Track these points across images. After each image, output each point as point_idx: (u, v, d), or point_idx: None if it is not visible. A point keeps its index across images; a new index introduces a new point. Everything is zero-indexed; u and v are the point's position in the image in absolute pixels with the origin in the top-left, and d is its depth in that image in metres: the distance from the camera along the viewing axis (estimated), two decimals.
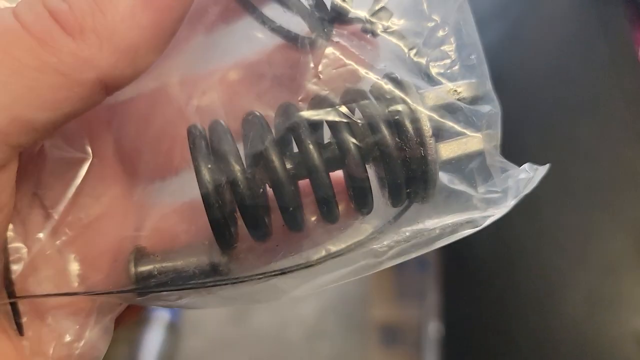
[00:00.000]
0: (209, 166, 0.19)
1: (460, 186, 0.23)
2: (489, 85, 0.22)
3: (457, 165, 0.22)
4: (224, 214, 0.20)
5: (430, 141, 0.20)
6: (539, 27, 0.56)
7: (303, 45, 0.22)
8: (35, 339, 0.21)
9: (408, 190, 0.21)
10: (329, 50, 0.21)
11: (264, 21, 0.24)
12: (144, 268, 0.22)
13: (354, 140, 0.20)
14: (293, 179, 0.21)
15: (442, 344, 0.65)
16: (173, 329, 0.79)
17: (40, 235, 0.22)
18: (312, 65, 0.21)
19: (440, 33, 0.22)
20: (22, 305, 0.21)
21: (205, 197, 0.19)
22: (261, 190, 0.20)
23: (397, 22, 0.21)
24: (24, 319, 0.21)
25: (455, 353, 0.63)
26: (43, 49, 0.18)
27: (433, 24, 0.22)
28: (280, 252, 0.22)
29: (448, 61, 0.22)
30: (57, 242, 0.22)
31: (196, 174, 0.19)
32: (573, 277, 0.48)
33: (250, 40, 0.24)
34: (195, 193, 0.22)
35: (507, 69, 0.55)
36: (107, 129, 0.24)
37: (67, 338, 0.22)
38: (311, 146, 0.20)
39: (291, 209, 0.20)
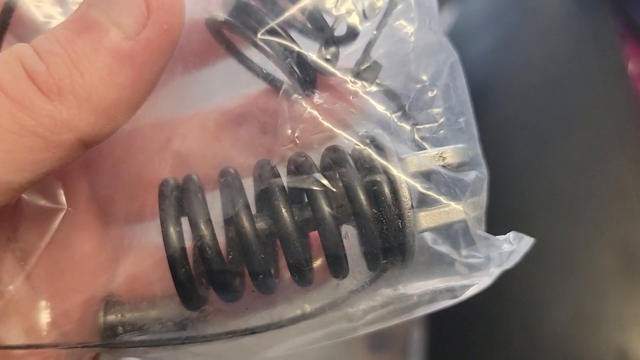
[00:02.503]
0: (177, 229, 0.19)
1: (443, 248, 0.22)
2: (477, 149, 0.22)
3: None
4: (190, 278, 0.19)
5: (408, 213, 0.19)
6: (529, 40, 0.55)
7: (286, 94, 0.22)
8: None
9: (385, 261, 0.20)
10: (309, 113, 0.20)
11: (246, 64, 0.23)
12: (112, 317, 0.22)
13: (329, 210, 0.19)
14: (269, 240, 0.20)
15: (428, 351, 0.65)
16: None
17: (13, 285, 0.21)
18: (289, 131, 0.20)
19: (429, 94, 0.21)
20: None
21: (171, 261, 0.19)
22: (230, 256, 0.19)
23: (383, 83, 0.20)
24: None
25: None
26: (21, 112, 0.17)
27: (421, 85, 0.21)
28: (249, 314, 0.21)
29: (435, 124, 0.21)
30: (30, 291, 0.22)
31: (163, 237, 0.19)
32: (558, 291, 0.48)
33: (233, 84, 0.23)
34: None
35: (497, 80, 0.54)
36: (83, 175, 0.23)
37: None
38: (283, 212, 0.19)
39: (261, 275, 0.19)
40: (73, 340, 0.22)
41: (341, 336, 0.21)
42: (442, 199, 0.20)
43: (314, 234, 0.20)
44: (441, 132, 0.21)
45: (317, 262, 0.22)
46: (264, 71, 0.22)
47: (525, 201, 0.52)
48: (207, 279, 0.19)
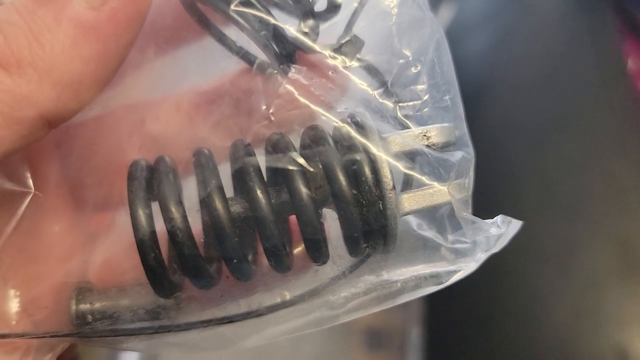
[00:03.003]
0: (146, 212, 0.18)
1: (428, 232, 0.21)
2: (464, 129, 0.21)
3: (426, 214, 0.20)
4: (160, 263, 0.18)
5: (390, 195, 0.18)
6: (528, 37, 0.55)
7: (260, 69, 0.21)
8: None
9: (366, 245, 0.19)
10: (284, 88, 0.19)
11: (221, 40, 0.22)
12: (84, 306, 0.21)
13: (306, 191, 0.18)
14: (245, 224, 0.19)
15: (425, 349, 0.65)
16: None
17: None
18: (264, 107, 0.19)
19: (413, 70, 0.20)
20: None
21: (139, 245, 0.18)
22: (203, 240, 0.18)
23: (364, 58, 0.19)
24: None
25: (437, 359, 0.63)
26: None
27: (404, 61, 0.20)
28: (225, 301, 0.20)
29: (419, 102, 0.20)
30: None
31: (131, 220, 0.18)
32: (556, 288, 0.47)
33: (208, 64, 0.22)
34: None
35: (495, 77, 0.54)
36: (52, 157, 0.22)
37: None
38: (258, 193, 0.18)
39: (235, 260, 0.18)
40: (44, 330, 0.21)
41: (322, 324, 0.20)
42: (425, 179, 0.19)
43: (295, 220, 0.20)
44: (425, 110, 0.20)
45: (298, 248, 0.21)
46: (237, 45, 0.21)
47: (522, 198, 0.52)
48: (179, 264, 0.18)
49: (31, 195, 0.21)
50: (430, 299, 0.64)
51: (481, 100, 0.52)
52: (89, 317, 0.21)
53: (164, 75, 0.22)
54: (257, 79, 0.20)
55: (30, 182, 0.21)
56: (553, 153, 0.49)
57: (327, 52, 0.19)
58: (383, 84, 0.20)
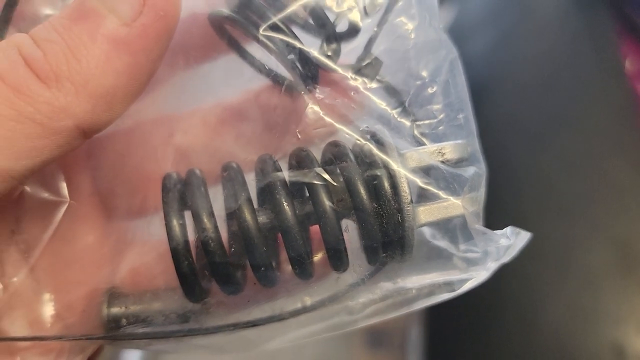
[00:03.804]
0: (180, 222, 0.19)
1: (441, 242, 0.22)
2: (476, 145, 0.22)
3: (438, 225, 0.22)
4: (193, 270, 0.19)
5: (408, 208, 0.19)
6: (527, 38, 0.55)
7: (288, 89, 0.22)
8: None
9: (384, 254, 0.20)
10: (311, 108, 0.20)
11: (249, 60, 0.23)
12: (116, 310, 0.22)
13: (329, 204, 0.19)
14: (270, 233, 0.20)
15: (426, 348, 0.65)
16: None
17: (17, 277, 0.21)
18: (292, 126, 0.20)
19: (429, 91, 0.21)
20: None
21: (174, 253, 0.19)
22: (232, 249, 0.20)
23: (383, 79, 0.21)
24: None
25: (438, 358, 0.63)
26: (19, 99, 0.17)
27: (421, 82, 0.21)
28: (251, 306, 0.21)
29: (434, 121, 0.21)
30: (33, 283, 0.22)
31: (167, 230, 0.19)
32: (554, 287, 0.48)
33: (234, 79, 0.24)
34: None
35: (495, 78, 0.54)
36: (85, 168, 0.23)
37: None
38: (285, 206, 0.19)
39: (263, 268, 0.20)
40: (76, 333, 0.22)
41: (341, 329, 0.21)
42: (441, 193, 0.20)
43: (315, 228, 0.21)
44: (440, 128, 0.22)
45: (318, 256, 0.22)
46: (266, 67, 0.23)
47: (521, 198, 0.52)
48: (210, 271, 0.20)
49: (67, 204, 0.22)
50: None
51: (481, 101, 0.52)
52: (122, 321, 0.22)
53: (191, 89, 0.23)
54: (286, 98, 0.21)
55: (66, 191, 0.22)
56: (552, 153, 0.49)
57: (349, 74, 0.20)
58: (401, 103, 0.21)
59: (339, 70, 0.20)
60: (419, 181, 0.19)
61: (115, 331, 0.22)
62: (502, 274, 0.54)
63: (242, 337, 0.22)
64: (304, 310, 0.21)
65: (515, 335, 0.50)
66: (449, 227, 0.22)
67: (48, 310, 0.22)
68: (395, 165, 0.19)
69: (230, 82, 0.24)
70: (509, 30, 0.57)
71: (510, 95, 0.53)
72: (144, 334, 0.21)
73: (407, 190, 0.19)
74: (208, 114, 0.24)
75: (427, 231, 0.23)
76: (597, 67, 0.50)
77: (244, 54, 0.23)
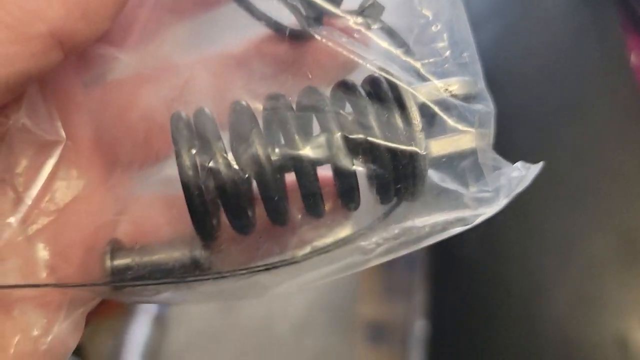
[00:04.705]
0: (191, 151, 0.19)
1: (451, 185, 0.22)
2: (481, 84, 0.22)
3: (448, 163, 0.21)
4: (204, 201, 0.19)
5: (420, 136, 0.19)
6: (532, 31, 0.56)
7: (292, 36, 0.22)
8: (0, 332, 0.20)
9: (398, 186, 0.20)
10: (317, 45, 0.20)
11: (251, 10, 0.23)
12: (120, 261, 0.21)
13: (342, 135, 0.19)
14: (279, 170, 0.20)
15: (428, 342, 0.65)
16: (159, 321, 0.79)
17: (10, 220, 0.20)
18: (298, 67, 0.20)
19: (432, 29, 0.21)
20: None
21: (184, 183, 0.19)
22: (246, 175, 0.19)
23: (387, 19, 0.21)
24: None
25: (440, 352, 0.63)
26: None
27: (424, 20, 0.21)
28: (263, 244, 0.21)
29: (439, 59, 0.21)
30: (27, 230, 0.21)
31: (177, 158, 0.19)
32: (558, 278, 0.48)
33: (236, 30, 0.24)
34: (178, 185, 0.22)
35: (499, 70, 0.55)
36: (83, 114, 0.23)
37: (34, 332, 0.20)
38: (297, 136, 0.19)
39: (275, 198, 0.19)
40: (71, 289, 0.21)
41: (354, 269, 0.21)
42: (451, 122, 0.20)
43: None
44: (446, 66, 0.22)
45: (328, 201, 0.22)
46: (268, 16, 0.23)
47: (525, 189, 0.52)
48: (223, 204, 0.19)
49: (63, 144, 0.21)
50: (433, 291, 0.64)
51: None
52: (126, 273, 0.21)
53: (194, 39, 0.23)
54: (288, 43, 0.21)
55: (62, 131, 0.21)
56: (556, 146, 0.50)
57: (352, 19, 0.20)
58: (404, 43, 0.21)
59: (341, 13, 0.20)
60: (433, 107, 0.19)
61: (119, 286, 0.21)
62: (506, 265, 0.54)
63: (253, 282, 0.21)
64: (318, 251, 0.21)
65: (518, 326, 0.50)
66: (458, 170, 0.22)
67: (43, 259, 0.21)
68: (405, 97, 0.19)
69: (232, 32, 0.24)
70: (514, 24, 0.57)
71: (515, 88, 0.54)
72: (150, 276, 0.21)
73: (418, 119, 0.19)
74: (214, 61, 0.24)
75: (434, 175, 0.23)
76: (602, 61, 0.51)
77: (245, 3, 0.23)
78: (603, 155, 0.49)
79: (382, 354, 0.78)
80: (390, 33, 0.22)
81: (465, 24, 0.22)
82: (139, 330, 0.76)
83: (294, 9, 0.21)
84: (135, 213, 0.23)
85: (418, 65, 0.22)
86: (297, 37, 0.22)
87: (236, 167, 0.19)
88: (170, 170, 0.23)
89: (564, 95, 0.51)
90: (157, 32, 0.21)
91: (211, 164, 0.19)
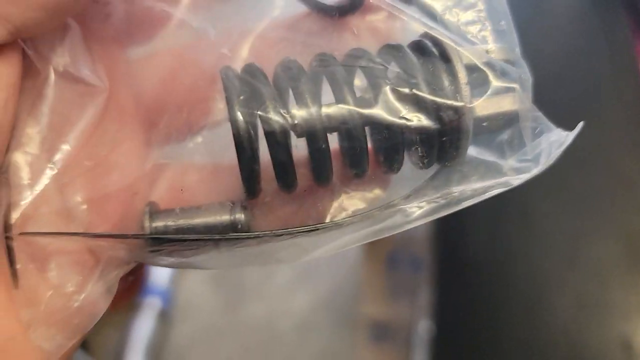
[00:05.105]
0: (244, 111, 0.19)
1: (489, 157, 0.22)
2: (518, 52, 0.22)
3: (488, 128, 0.22)
4: (253, 151, 0.19)
5: (465, 89, 0.19)
6: (541, 35, 0.56)
7: (333, 12, 0.22)
8: (31, 286, 0.19)
9: (444, 138, 0.20)
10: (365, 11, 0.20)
11: None
12: (159, 223, 0.21)
13: (390, 86, 0.19)
14: (329, 127, 0.20)
15: (432, 343, 0.65)
16: (164, 316, 0.78)
17: (49, 166, 0.20)
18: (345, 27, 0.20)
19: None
20: (19, 251, 0.19)
21: (238, 143, 0.19)
22: (298, 131, 0.19)
23: None
24: (18, 266, 0.19)
25: (444, 353, 0.62)
26: None
27: None
28: (304, 205, 0.21)
29: (479, 25, 0.22)
30: (65, 180, 0.20)
31: (230, 119, 0.19)
32: (563, 281, 0.48)
33: (273, 8, 0.24)
34: (218, 155, 0.21)
35: None
36: (128, 74, 0.22)
37: (69, 288, 0.20)
38: (348, 98, 0.19)
39: (322, 155, 0.19)
40: (111, 245, 0.20)
41: (395, 230, 0.21)
42: (495, 81, 0.20)
43: None
44: (485, 31, 0.22)
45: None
46: None
47: (531, 191, 0.53)
48: (273, 158, 0.19)
49: (106, 93, 0.21)
50: (438, 292, 0.64)
51: None
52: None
53: (242, 10, 0.23)
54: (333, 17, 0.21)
55: (106, 80, 0.21)
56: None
57: None
58: (447, 7, 0.22)
59: None
60: (479, 62, 0.20)
61: (157, 246, 0.21)
62: (511, 267, 0.54)
63: (293, 244, 0.21)
64: (362, 213, 0.21)
65: (522, 328, 0.50)
66: (495, 143, 0.22)
67: (79, 214, 0.20)
68: (451, 54, 0.20)
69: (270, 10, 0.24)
70: (523, 28, 0.58)
71: None
72: (189, 229, 0.20)
73: (464, 73, 0.19)
74: (262, 32, 0.23)
75: (473, 150, 0.22)
76: (610, 65, 0.51)
77: None
78: (609, 159, 0.49)
79: (385, 353, 0.78)
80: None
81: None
82: (144, 325, 0.75)
83: None
84: (173, 180, 0.23)
85: (460, 27, 0.22)
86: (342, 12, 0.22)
87: (287, 116, 0.19)
88: (207, 142, 0.23)
89: (571, 99, 0.51)
90: (199, 7, 0.21)
91: (261, 112, 0.18)
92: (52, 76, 0.20)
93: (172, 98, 0.23)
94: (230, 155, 0.21)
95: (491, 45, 0.21)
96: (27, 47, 0.19)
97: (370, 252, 0.80)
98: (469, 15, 0.22)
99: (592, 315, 0.46)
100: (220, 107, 0.23)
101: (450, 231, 0.55)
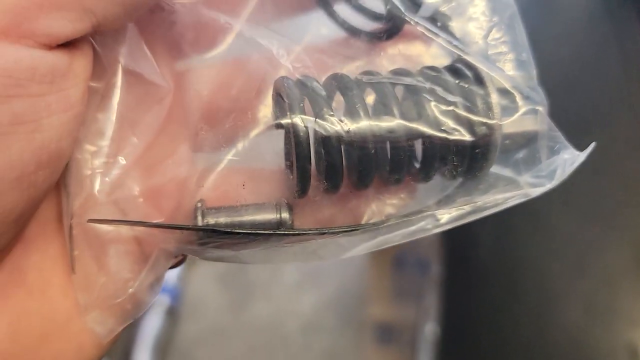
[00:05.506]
0: (302, 116, 0.21)
1: (507, 173, 0.25)
2: (536, 81, 0.25)
3: (510, 146, 0.24)
4: (309, 161, 0.21)
5: (497, 109, 0.22)
6: (552, 40, 0.57)
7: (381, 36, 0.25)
8: (87, 272, 0.21)
9: (476, 151, 0.22)
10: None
11: (333, 16, 0.25)
12: (211, 219, 0.22)
13: (435, 104, 0.22)
14: (381, 137, 0.21)
15: (437, 345, 0.64)
16: (172, 313, 0.79)
17: (119, 160, 0.21)
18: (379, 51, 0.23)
19: (495, 32, 0.24)
20: (77, 238, 0.21)
21: (297, 145, 0.21)
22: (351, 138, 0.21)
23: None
24: (76, 252, 0.21)
25: (449, 355, 0.62)
26: None
27: (492, 23, 0.24)
28: (349, 202, 0.23)
29: (504, 55, 0.24)
30: (131, 173, 0.21)
31: (290, 115, 0.20)
32: (570, 286, 0.49)
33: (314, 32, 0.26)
34: (256, 161, 0.24)
35: None
36: (185, 87, 0.24)
37: (124, 275, 0.21)
38: (395, 111, 0.21)
39: (368, 162, 0.21)
40: (162, 238, 0.22)
41: (425, 233, 0.23)
42: (521, 102, 0.23)
43: None
44: (508, 58, 0.25)
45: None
46: (350, 25, 0.25)
47: (540, 197, 0.53)
48: (325, 158, 0.21)
49: (171, 94, 0.22)
50: (444, 294, 0.65)
51: None
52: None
53: (289, 31, 0.25)
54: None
55: (170, 80, 0.22)
56: None
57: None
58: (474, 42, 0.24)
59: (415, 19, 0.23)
60: (507, 86, 0.22)
61: (207, 239, 0.22)
62: (518, 272, 0.53)
63: (333, 242, 0.23)
64: (398, 217, 0.23)
65: (528, 332, 0.50)
66: (511, 161, 0.25)
67: (137, 205, 0.22)
68: (484, 77, 0.22)
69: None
70: (534, 33, 0.58)
71: None
72: (244, 231, 0.22)
73: (496, 95, 0.22)
74: (312, 48, 0.25)
75: (492, 167, 0.25)
76: (622, 71, 0.52)
77: (329, 11, 0.25)
78: (619, 165, 0.50)
79: (390, 355, 0.79)
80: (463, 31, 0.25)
81: (522, 31, 0.25)
82: (152, 322, 0.76)
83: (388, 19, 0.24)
84: (219, 182, 0.24)
85: (488, 54, 0.24)
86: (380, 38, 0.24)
87: (341, 123, 0.21)
88: (246, 147, 0.25)
89: (582, 105, 0.53)
90: (252, 29, 0.23)
91: (318, 119, 0.21)
92: (120, 72, 0.21)
93: (223, 106, 0.25)
94: (269, 161, 0.24)
95: (512, 72, 0.24)
96: (96, 43, 0.20)
97: (377, 254, 0.80)
98: (496, 44, 0.25)
99: (599, 322, 0.47)
100: (260, 116, 0.25)
101: (457, 234, 0.57)
